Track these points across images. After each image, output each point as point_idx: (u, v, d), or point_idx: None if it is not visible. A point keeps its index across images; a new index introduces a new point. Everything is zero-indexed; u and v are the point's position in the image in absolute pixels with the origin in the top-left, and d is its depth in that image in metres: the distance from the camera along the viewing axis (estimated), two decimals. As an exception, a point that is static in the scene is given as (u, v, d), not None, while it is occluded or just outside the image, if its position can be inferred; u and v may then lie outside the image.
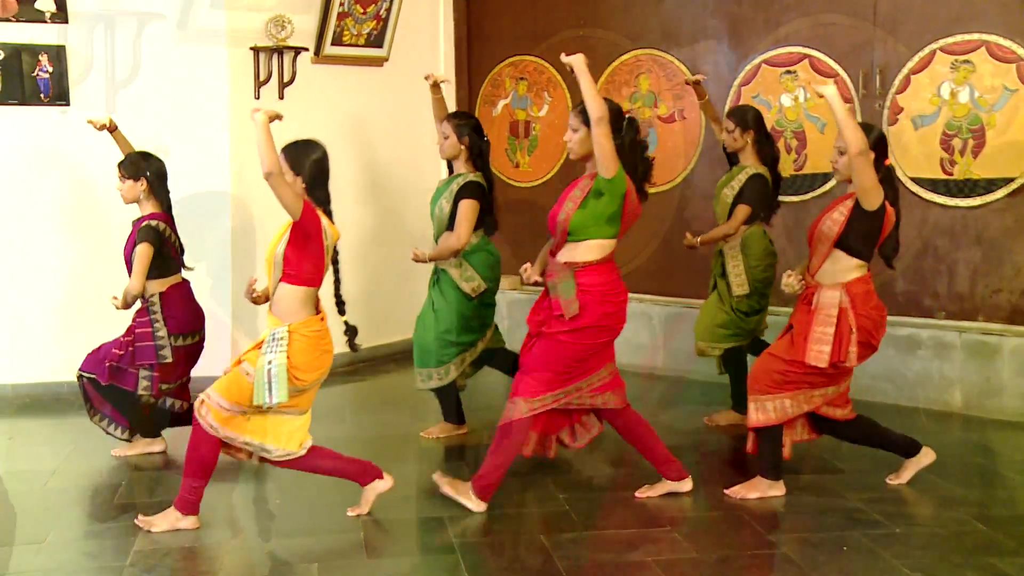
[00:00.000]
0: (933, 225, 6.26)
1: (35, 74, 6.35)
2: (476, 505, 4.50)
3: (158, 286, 5.29)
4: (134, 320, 5.31)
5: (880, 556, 4.06)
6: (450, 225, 5.39)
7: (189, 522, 4.35)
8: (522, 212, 7.92)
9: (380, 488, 4.50)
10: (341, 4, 6.86)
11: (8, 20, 6.26)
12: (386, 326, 7.44)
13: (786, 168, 6.47)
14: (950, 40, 6.10)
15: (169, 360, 5.25)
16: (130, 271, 5.23)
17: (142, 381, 5.26)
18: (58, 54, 6.35)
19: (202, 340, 5.43)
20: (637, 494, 4.71)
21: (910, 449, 4.85)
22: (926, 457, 4.86)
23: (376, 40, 7.23)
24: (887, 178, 4.54)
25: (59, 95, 6.41)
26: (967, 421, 5.99)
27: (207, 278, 6.37)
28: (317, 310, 4.30)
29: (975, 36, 6.02)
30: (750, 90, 6.82)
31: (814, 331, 4.51)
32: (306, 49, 6.88)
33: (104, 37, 6.42)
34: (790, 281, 4.63)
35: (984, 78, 6.01)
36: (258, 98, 6.74)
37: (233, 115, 6.64)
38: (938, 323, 6.23)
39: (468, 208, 5.33)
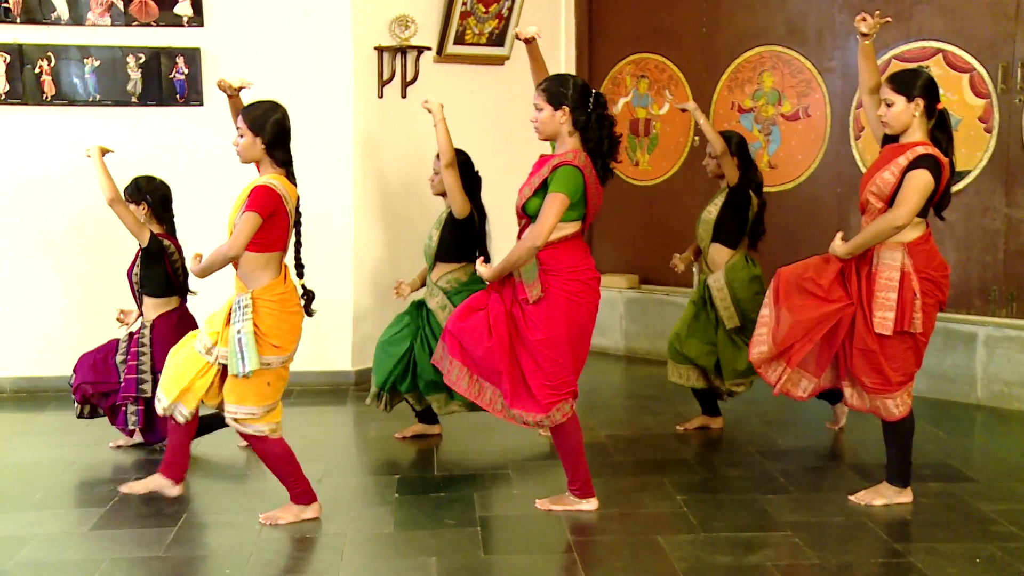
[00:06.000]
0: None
1: (172, 76, 6.54)
2: (588, 504, 4.50)
3: (153, 309, 5.20)
4: (128, 346, 5.18)
5: (1018, 570, 3.89)
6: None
7: (312, 511, 4.40)
8: (641, 210, 7.86)
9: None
10: (464, 3, 6.93)
11: (148, 24, 6.45)
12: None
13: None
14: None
15: (150, 394, 5.04)
16: (133, 292, 5.28)
17: (130, 417, 5.14)
18: (193, 56, 6.55)
19: None
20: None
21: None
22: None
23: (498, 39, 7.29)
24: (941, 124, 4.32)
25: (194, 96, 6.61)
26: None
27: (328, 280, 6.32)
28: (283, 274, 4.30)
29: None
30: (880, 86, 6.56)
31: (876, 297, 4.28)
32: (428, 48, 6.97)
33: (235, 40, 6.61)
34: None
35: None
36: (381, 97, 6.85)
37: (357, 113, 6.76)
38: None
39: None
